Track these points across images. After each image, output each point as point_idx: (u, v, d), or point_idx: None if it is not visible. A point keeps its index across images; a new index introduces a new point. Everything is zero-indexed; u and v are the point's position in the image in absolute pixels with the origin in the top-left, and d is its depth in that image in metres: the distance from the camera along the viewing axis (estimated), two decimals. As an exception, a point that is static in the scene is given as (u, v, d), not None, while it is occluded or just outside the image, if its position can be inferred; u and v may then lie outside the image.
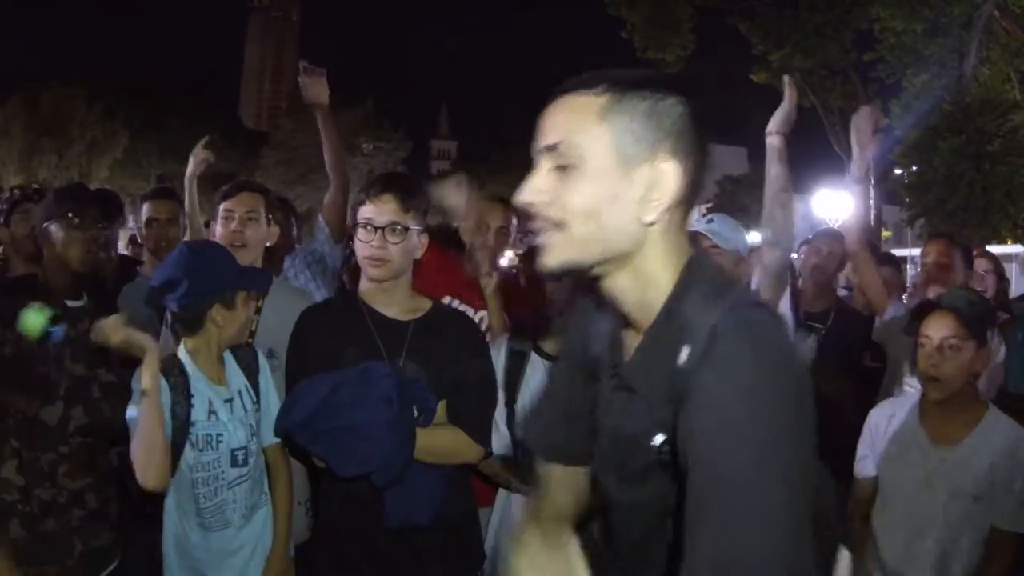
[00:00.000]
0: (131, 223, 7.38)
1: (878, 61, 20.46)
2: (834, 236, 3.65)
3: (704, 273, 1.04)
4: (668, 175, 0.99)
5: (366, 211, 2.04)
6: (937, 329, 2.10)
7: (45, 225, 2.32)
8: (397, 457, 1.89)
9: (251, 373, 2.20)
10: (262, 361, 2.25)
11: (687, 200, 1.03)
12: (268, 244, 2.70)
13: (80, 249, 2.29)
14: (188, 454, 2.03)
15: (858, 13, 19.78)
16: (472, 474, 2.32)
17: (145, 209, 3.28)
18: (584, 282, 1.10)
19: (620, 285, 1.05)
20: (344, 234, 3.01)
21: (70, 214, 2.29)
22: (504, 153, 44.68)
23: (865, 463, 2.33)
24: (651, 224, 1.00)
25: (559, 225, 1.01)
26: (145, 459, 1.87)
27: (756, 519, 0.85)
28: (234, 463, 2.08)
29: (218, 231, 2.64)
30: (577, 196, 0.99)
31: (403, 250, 2.04)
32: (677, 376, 0.97)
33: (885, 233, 26.73)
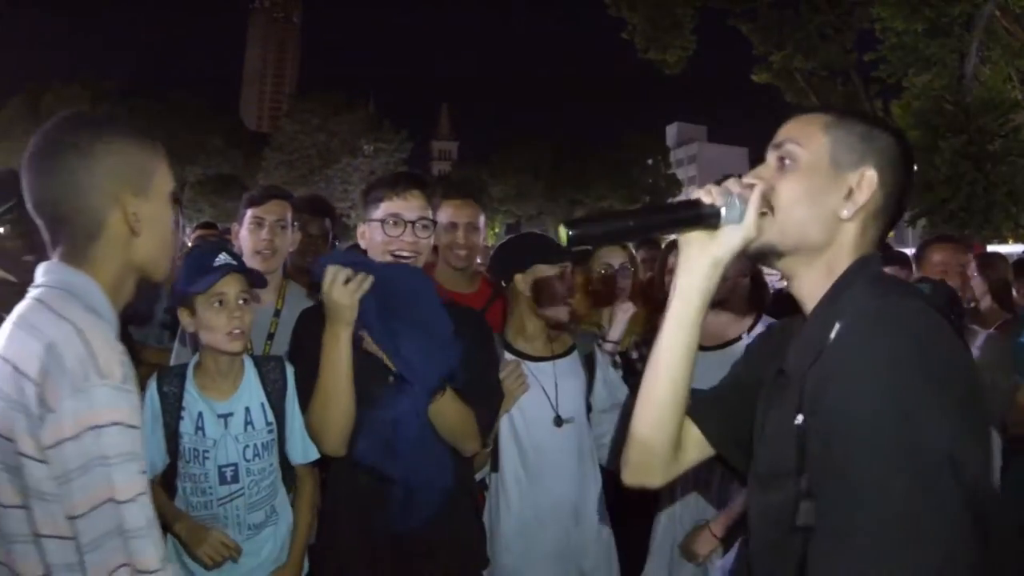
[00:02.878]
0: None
1: (879, 61, 20.42)
2: None
3: (871, 268, 1.16)
4: (870, 180, 1.16)
5: (392, 206, 2.05)
6: None
7: None
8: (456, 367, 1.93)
9: (276, 390, 2.11)
10: (290, 378, 2.13)
11: (885, 214, 1.19)
12: (290, 250, 2.71)
13: (24, 257, 2.07)
14: (179, 464, 2.04)
15: (859, 13, 19.78)
16: (473, 476, 2.31)
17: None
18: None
19: (809, 279, 1.18)
20: None
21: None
22: (504, 154, 44.70)
23: None
24: (847, 220, 1.16)
25: (770, 209, 1.16)
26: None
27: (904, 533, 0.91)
28: (223, 480, 2.03)
29: (244, 236, 2.63)
30: (789, 184, 1.17)
31: (429, 244, 2.11)
32: (825, 351, 1.04)
33: (886, 233, 26.68)
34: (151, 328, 3.00)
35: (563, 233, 1.10)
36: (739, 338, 2.44)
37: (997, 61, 19.89)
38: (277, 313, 2.55)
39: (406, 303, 1.91)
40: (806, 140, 1.18)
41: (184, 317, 2.05)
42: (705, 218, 1.15)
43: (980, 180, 18.03)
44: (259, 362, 2.15)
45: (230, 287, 2.01)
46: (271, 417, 2.09)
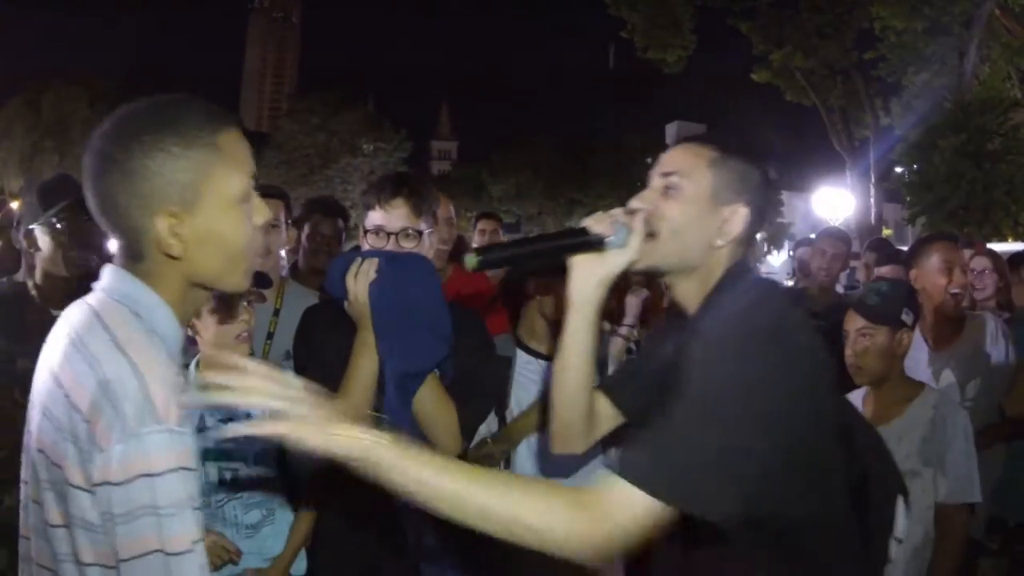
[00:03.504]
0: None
1: (879, 60, 20.43)
2: (838, 236, 3.65)
3: (742, 277, 1.36)
4: (743, 216, 1.35)
5: (376, 217, 1.99)
6: (850, 324, 2.40)
7: (30, 228, 2.18)
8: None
9: None
10: None
11: (747, 241, 1.38)
12: (287, 248, 2.71)
13: (70, 253, 2.16)
14: None
15: (859, 12, 19.77)
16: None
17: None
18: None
19: (687, 290, 1.39)
20: None
21: (55, 216, 2.14)
22: (504, 153, 44.67)
23: None
24: (720, 248, 1.35)
25: (653, 234, 1.33)
26: None
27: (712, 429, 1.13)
28: (221, 480, 2.05)
29: None
30: (673, 213, 1.33)
31: (420, 252, 2.05)
32: (700, 346, 1.25)
33: (886, 231, 26.71)
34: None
35: (470, 260, 1.29)
36: None
37: (996, 60, 19.91)
38: (276, 312, 2.56)
39: (405, 288, 1.90)
40: (691, 173, 1.34)
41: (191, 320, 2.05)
42: (591, 244, 1.33)
43: (979, 178, 18.03)
44: None
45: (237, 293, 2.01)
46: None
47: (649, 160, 48.94)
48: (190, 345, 2.28)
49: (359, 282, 1.89)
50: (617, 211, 1.35)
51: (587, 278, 1.37)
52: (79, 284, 2.18)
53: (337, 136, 43.60)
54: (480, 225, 5.32)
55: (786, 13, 20.40)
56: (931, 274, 2.98)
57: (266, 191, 2.71)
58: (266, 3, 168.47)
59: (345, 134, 43.58)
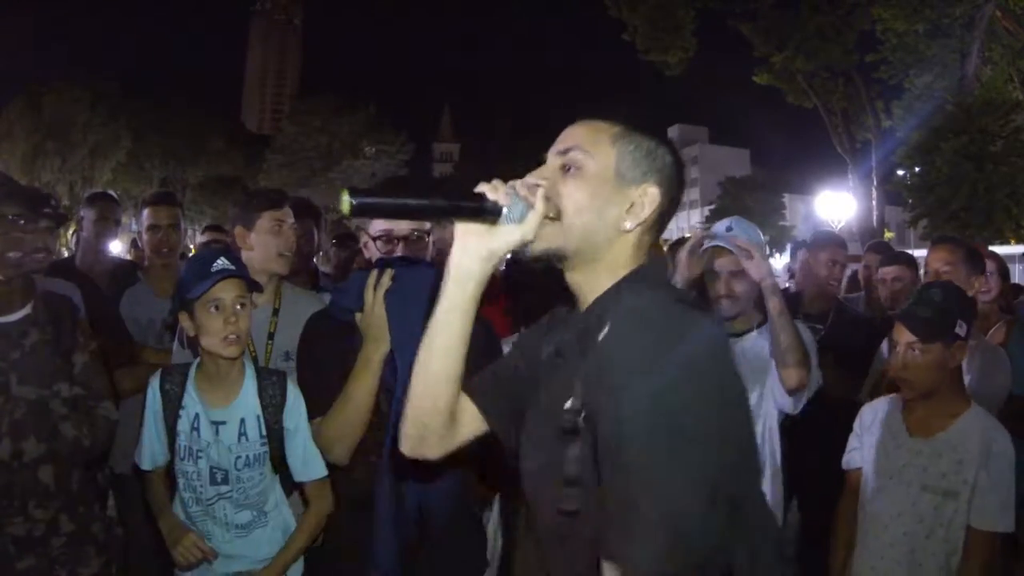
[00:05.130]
0: (132, 226, 7.41)
1: (880, 62, 20.44)
2: (834, 242, 3.64)
3: (647, 271, 1.23)
4: (652, 197, 1.21)
5: (383, 222, 2.01)
6: (899, 335, 2.20)
7: None
8: None
9: (272, 405, 2.10)
10: (291, 398, 2.11)
11: (659, 225, 1.25)
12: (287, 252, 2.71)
13: (7, 255, 2.07)
14: (175, 460, 2.09)
15: (860, 14, 19.78)
16: (474, 480, 2.31)
17: (146, 214, 3.29)
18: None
19: (586, 278, 1.23)
20: None
21: None
22: (506, 154, 44.72)
23: (852, 455, 2.36)
24: (627, 232, 1.21)
25: (556, 214, 1.18)
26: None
27: (660, 475, 0.97)
28: (213, 480, 2.06)
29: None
30: (575, 192, 1.19)
31: (429, 253, 2.09)
32: (599, 344, 1.11)
33: (888, 234, 26.70)
34: (152, 329, 3.01)
35: (345, 201, 1.10)
36: (750, 329, 2.48)
37: (998, 62, 19.92)
38: (276, 312, 2.56)
39: (420, 296, 1.90)
40: (593, 149, 1.20)
41: (184, 321, 2.06)
42: (486, 212, 1.16)
43: (981, 181, 18.03)
44: (261, 374, 2.15)
45: (226, 292, 2.01)
46: (265, 431, 2.10)
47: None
48: (190, 345, 2.28)
49: (377, 294, 1.89)
50: (518, 182, 1.19)
51: (474, 250, 1.19)
52: (20, 285, 2.13)
53: (339, 138, 43.68)
54: None
55: (787, 15, 20.41)
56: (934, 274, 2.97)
57: (299, 209, 2.72)
58: (268, 5, 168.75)
59: (347, 136, 43.66)
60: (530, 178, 1.20)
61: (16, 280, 2.12)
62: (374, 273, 1.93)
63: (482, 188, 1.17)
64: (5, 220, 2.07)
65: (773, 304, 2.33)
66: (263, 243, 2.58)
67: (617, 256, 1.22)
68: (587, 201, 1.19)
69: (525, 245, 1.19)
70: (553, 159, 1.23)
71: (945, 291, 2.26)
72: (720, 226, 2.49)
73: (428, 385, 1.29)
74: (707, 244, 2.47)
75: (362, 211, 1.12)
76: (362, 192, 1.11)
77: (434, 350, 1.26)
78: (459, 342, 1.26)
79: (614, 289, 1.20)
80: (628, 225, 1.20)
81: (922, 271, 3.57)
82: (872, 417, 2.33)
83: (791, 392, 2.33)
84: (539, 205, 1.16)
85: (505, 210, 1.16)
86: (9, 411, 2.04)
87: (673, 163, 1.24)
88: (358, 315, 1.96)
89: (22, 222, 2.10)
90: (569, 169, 1.20)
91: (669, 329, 1.06)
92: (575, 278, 1.24)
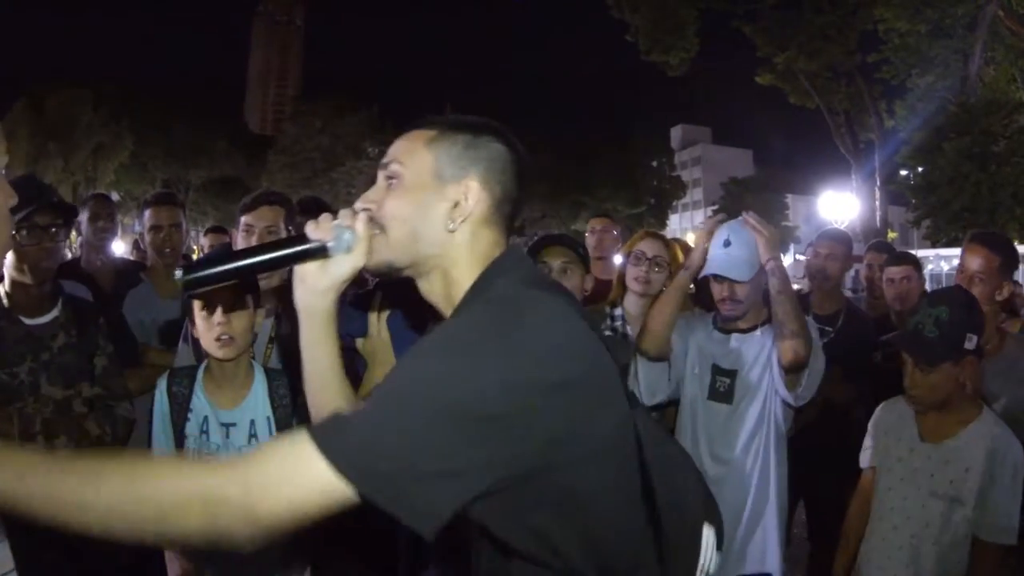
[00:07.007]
0: (135, 227, 7.41)
1: (882, 62, 20.43)
2: (835, 238, 3.61)
3: (502, 262, 1.20)
4: (474, 191, 1.18)
5: None
6: (908, 356, 2.18)
7: None
8: None
9: (282, 406, 2.09)
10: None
11: (497, 218, 1.22)
12: None
13: (36, 258, 2.10)
14: None
15: (862, 15, 19.78)
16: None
17: (148, 215, 3.28)
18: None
19: (430, 286, 1.23)
20: None
21: (16, 224, 2.04)
22: (508, 156, 44.66)
23: (866, 454, 2.35)
24: (453, 232, 1.19)
25: (381, 229, 1.19)
26: None
27: (394, 418, 0.94)
28: None
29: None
30: (395, 203, 1.19)
31: None
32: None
33: (891, 234, 26.67)
34: (155, 330, 3.00)
35: (178, 279, 1.12)
36: (756, 326, 2.46)
37: (1001, 62, 19.89)
38: (278, 317, 2.55)
39: (420, 314, 1.92)
40: (408, 158, 1.20)
41: (191, 323, 2.08)
42: (312, 253, 1.19)
43: (984, 181, 18.00)
44: (271, 376, 2.14)
45: (218, 293, 2.00)
46: (276, 432, 2.08)
47: (653, 163, 48.92)
48: (195, 346, 2.28)
49: (381, 319, 1.89)
50: (342, 213, 1.21)
51: (311, 287, 1.23)
52: (48, 290, 2.16)
53: (341, 139, 43.70)
54: None
55: (789, 15, 20.41)
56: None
57: (263, 198, 2.69)
58: (270, 7, 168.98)
59: (349, 137, 43.68)
60: (359, 203, 1.22)
61: (46, 284, 2.18)
62: (377, 297, 1.92)
63: (307, 229, 1.19)
64: (39, 229, 2.10)
65: (773, 283, 2.30)
66: (238, 247, 2.57)
67: (456, 257, 1.20)
68: (407, 210, 1.19)
69: (359, 269, 1.21)
70: (380, 176, 1.23)
71: (952, 306, 2.15)
72: (718, 239, 2.42)
73: (322, 414, 1.27)
74: (706, 273, 2.41)
75: (197, 284, 1.13)
76: (194, 266, 1.13)
77: (312, 384, 1.30)
78: (329, 370, 1.30)
79: (472, 292, 1.18)
80: (452, 225, 1.18)
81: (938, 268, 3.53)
82: (888, 416, 2.32)
83: (789, 369, 2.29)
84: (359, 228, 1.18)
85: (331, 243, 1.17)
86: (40, 410, 2.08)
87: (504, 150, 1.22)
88: (359, 340, 1.96)
89: (53, 230, 2.14)
90: (391, 181, 1.21)
91: (499, 314, 1.04)
92: (423, 287, 1.25)
